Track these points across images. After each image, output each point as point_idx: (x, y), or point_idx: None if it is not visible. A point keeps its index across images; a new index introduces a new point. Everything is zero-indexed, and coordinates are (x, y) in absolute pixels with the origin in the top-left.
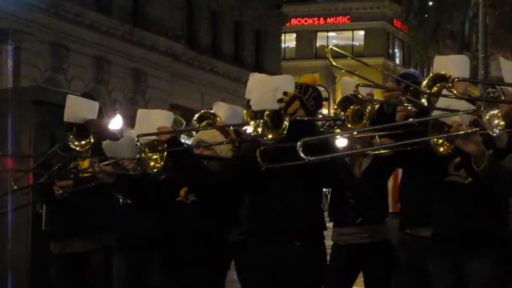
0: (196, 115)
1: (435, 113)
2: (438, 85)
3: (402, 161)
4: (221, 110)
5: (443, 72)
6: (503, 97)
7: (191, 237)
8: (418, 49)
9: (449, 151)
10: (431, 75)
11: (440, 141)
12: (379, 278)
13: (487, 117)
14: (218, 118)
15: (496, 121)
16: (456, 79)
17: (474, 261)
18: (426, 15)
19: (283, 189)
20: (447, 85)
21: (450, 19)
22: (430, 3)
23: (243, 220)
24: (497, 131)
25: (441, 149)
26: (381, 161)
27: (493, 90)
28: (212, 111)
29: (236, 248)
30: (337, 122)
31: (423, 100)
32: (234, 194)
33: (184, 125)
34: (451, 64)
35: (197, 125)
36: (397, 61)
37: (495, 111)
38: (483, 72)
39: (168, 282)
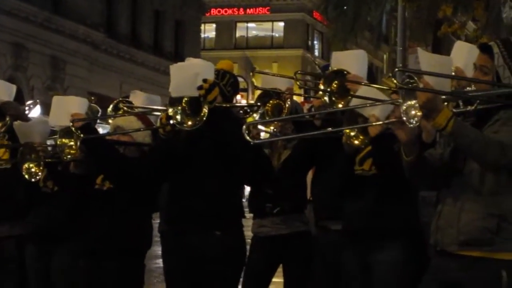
0: (112, 104)
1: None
2: (336, 81)
3: (316, 154)
4: (138, 99)
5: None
6: (421, 86)
7: (108, 225)
8: (336, 41)
9: (364, 143)
10: (329, 71)
11: (353, 133)
12: (297, 269)
13: (404, 107)
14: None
15: (413, 112)
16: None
17: (379, 254)
18: (345, 7)
19: (201, 176)
20: (344, 81)
21: (369, 12)
22: None
23: (163, 208)
24: (414, 122)
25: (356, 141)
26: (300, 153)
27: (411, 80)
28: (128, 99)
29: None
30: (254, 108)
31: (326, 98)
32: (152, 181)
33: (100, 112)
34: (349, 60)
35: (113, 113)
36: (316, 53)
37: (412, 102)
38: (401, 65)
39: (86, 273)
